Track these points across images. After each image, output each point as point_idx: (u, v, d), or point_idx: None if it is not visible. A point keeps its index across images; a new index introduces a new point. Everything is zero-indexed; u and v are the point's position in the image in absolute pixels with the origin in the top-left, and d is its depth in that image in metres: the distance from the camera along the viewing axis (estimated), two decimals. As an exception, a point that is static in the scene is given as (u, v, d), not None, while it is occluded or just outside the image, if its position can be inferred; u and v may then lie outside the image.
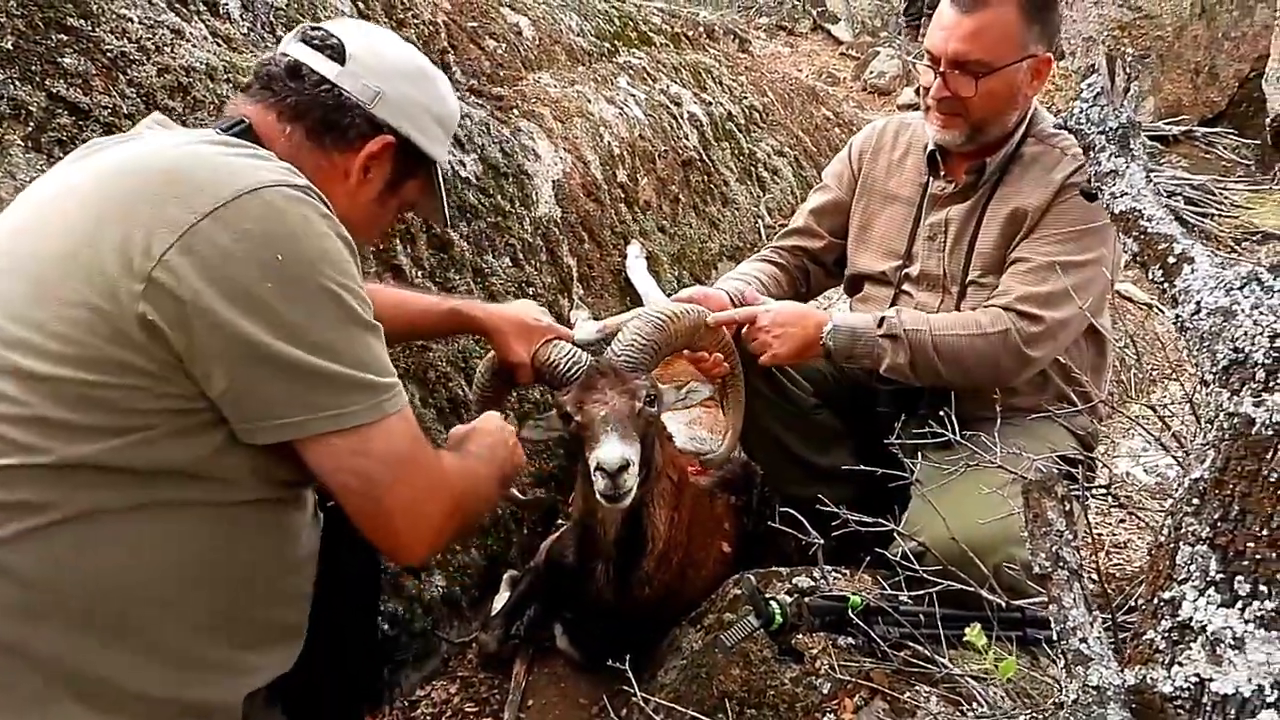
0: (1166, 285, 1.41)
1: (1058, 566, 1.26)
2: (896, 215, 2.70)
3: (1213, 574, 1.23)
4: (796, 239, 2.93)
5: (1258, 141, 7.89)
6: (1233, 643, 1.19)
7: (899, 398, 2.57)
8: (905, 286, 2.66)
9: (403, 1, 3.66)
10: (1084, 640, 1.23)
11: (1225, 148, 8.19)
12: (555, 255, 3.75)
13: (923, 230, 2.63)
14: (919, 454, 2.22)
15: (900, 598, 1.96)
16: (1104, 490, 2.12)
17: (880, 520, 2.00)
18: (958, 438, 1.99)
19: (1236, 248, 6.26)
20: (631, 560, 2.34)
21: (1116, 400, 3.83)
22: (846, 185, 2.83)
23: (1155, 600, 1.29)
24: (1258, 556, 1.20)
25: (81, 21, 2.31)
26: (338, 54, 1.66)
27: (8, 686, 1.32)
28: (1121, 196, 1.49)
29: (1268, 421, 1.22)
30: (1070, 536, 1.27)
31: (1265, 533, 1.20)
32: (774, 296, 2.83)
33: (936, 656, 1.79)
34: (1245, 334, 1.27)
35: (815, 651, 2.03)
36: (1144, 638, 1.29)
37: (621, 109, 4.65)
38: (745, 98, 5.99)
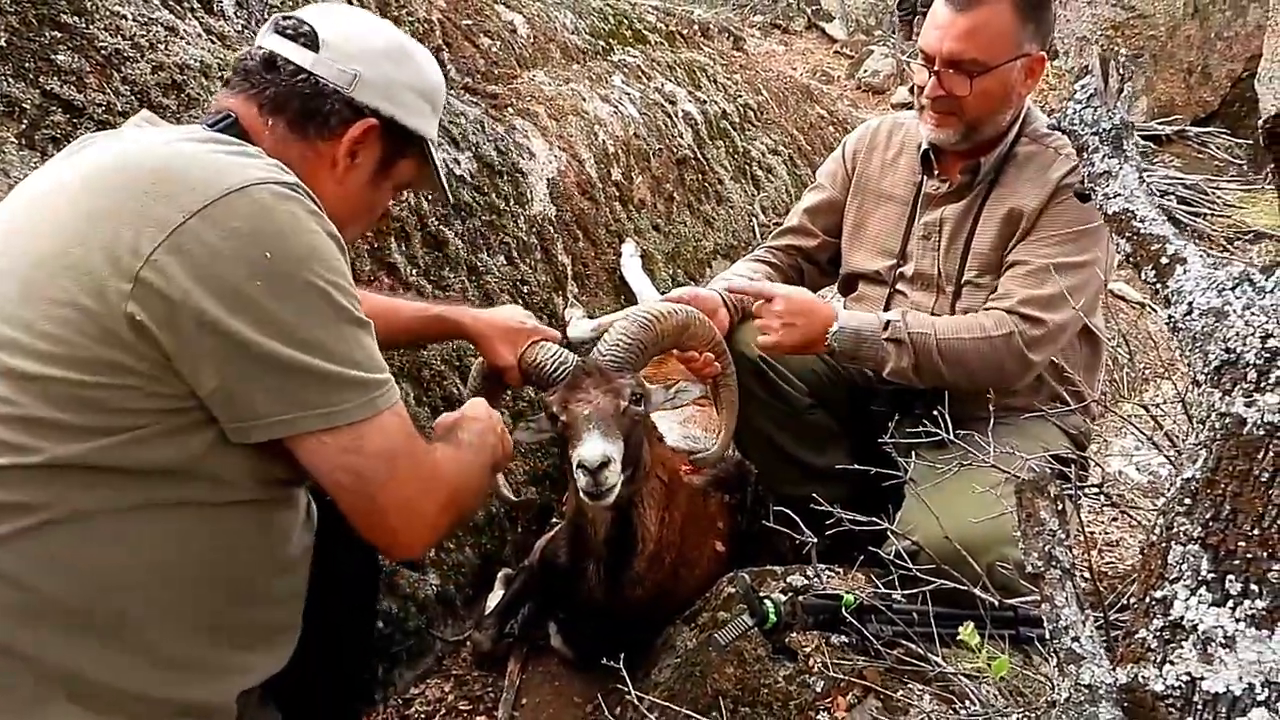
0: (1159, 286, 1.42)
1: (1050, 566, 1.26)
2: (890, 214, 2.71)
3: (1204, 573, 1.24)
4: (791, 238, 2.94)
5: (1250, 141, 7.93)
6: (1224, 642, 1.20)
7: (893, 397, 2.57)
8: (899, 285, 2.67)
9: (397, -1, 3.66)
10: (1076, 639, 1.24)
11: (1218, 147, 8.23)
12: (550, 253, 3.75)
13: (917, 229, 2.64)
14: (913, 453, 2.22)
15: (894, 596, 1.97)
16: (1096, 489, 2.13)
17: (874, 519, 2.01)
18: (951, 437, 2.00)
19: (1229, 247, 6.29)
20: (622, 560, 2.34)
21: (1109, 399, 3.84)
22: (840, 184, 2.84)
23: (1147, 599, 1.30)
24: (1249, 556, 1.21)
25: (75, 19, 2.30)
26: (311, 41, 1.63)
27: (2, 688, 1.32)
28: (1115, 198, 1.50)
29: (1259, 422, 1.22)
30: (1063, 536, 1.27)
31: (1256, 532, 1.21)
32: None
33: (930, 655, 1.80)
34: (1237, 334, 1.27)
35: (809, 650, 2.04)
36: (1136, 636, 1.30)
37: (616, 107, 4.65)
38: (740, 96, 5.99)
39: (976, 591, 1.81)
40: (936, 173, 2.62)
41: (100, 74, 2.32)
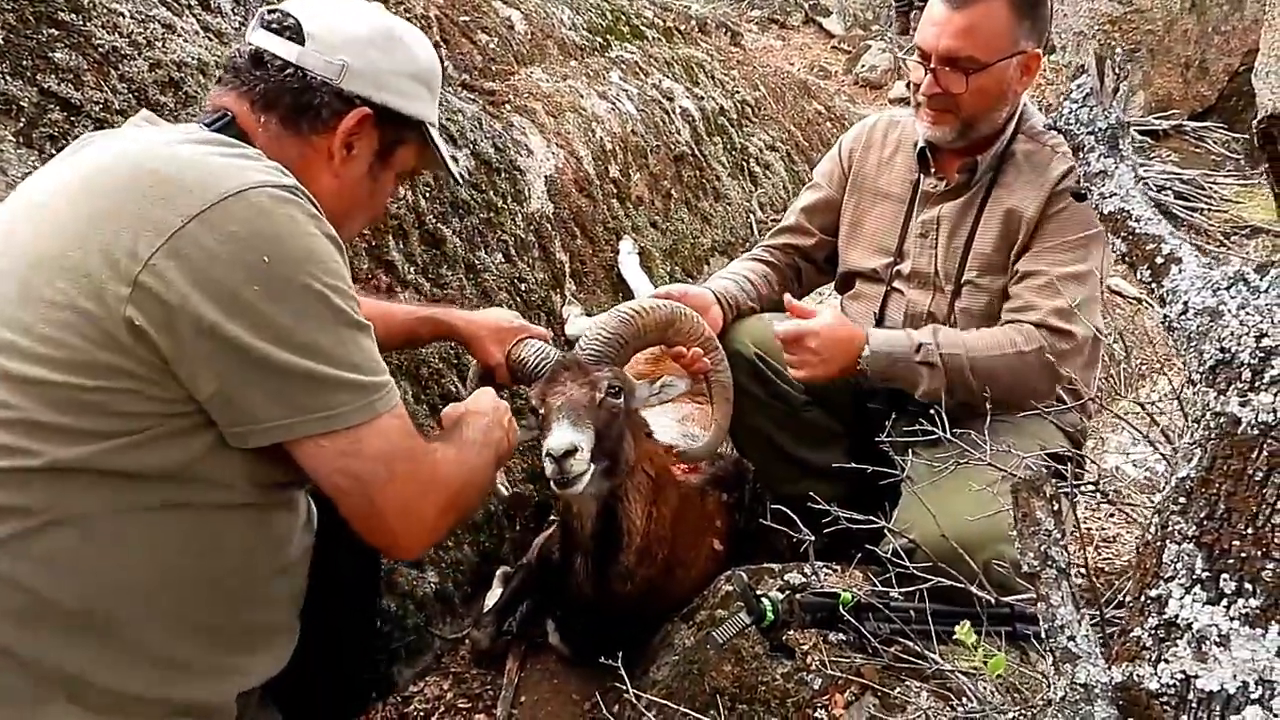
0: (1154, 285, 1.43)
1: (1046, 565, 1.27)
2: (887, 212, 2.71)
3: (1199, 572, 1.25)
4: (788, 237, 2.94)
5: (1247, 136, 7.93)
6: (1218, 640, 1.21)
7: (890, 396, 2.57)
8: (896, 283, 2.67)
9: (394, -4, 3.65)
10: (1072, 638, 1.25)
11: (1215, 142, 8.23)
12: (548, 251, 3.75)
13: (914, 227, 2.64)
14: (909, 451, 2.23)
15: (891, 594, 1.98)
16: (1093, 487, 2.13)
17: (871, 518, 2.02)
18: (948, 435, 2.00)
19: (1226, 242, 6.30)
20: (609, 554, 2.35)
21: (1105, 396, 3.85)
22: (837, 183, 2.84)
23: (1142, 598, 1.31)
24: (1243, 555, 1.22)
25: (73, 16, 2.30)
26: (296, 34, 1.61)
27: (2, 689, 1.32)
28: (1110, 197, 1.50)
29: (1253, 421, 1.23)
30: (1059, 536, 1.28)
31: (1250, 531, 1.22)
32: (765, 296, 2.84)
33: (927, 652, 1.80)
34: (1232, 334, 1.28)
35: (806, 647, 2.04)
36: (1131, 635, 1.31)
37: (614, 104, 4.65)
38: (737, 92, 5.99)
39: (973, 589, 1.82)
40: (934, 170, 2.62)
41: (98, 71, 2.31)
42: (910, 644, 1.86)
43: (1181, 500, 1.29)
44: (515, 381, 2.33)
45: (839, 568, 2.36)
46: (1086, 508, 3.18)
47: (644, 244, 4.35)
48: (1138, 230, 1.46)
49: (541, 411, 2.16)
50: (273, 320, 1.37)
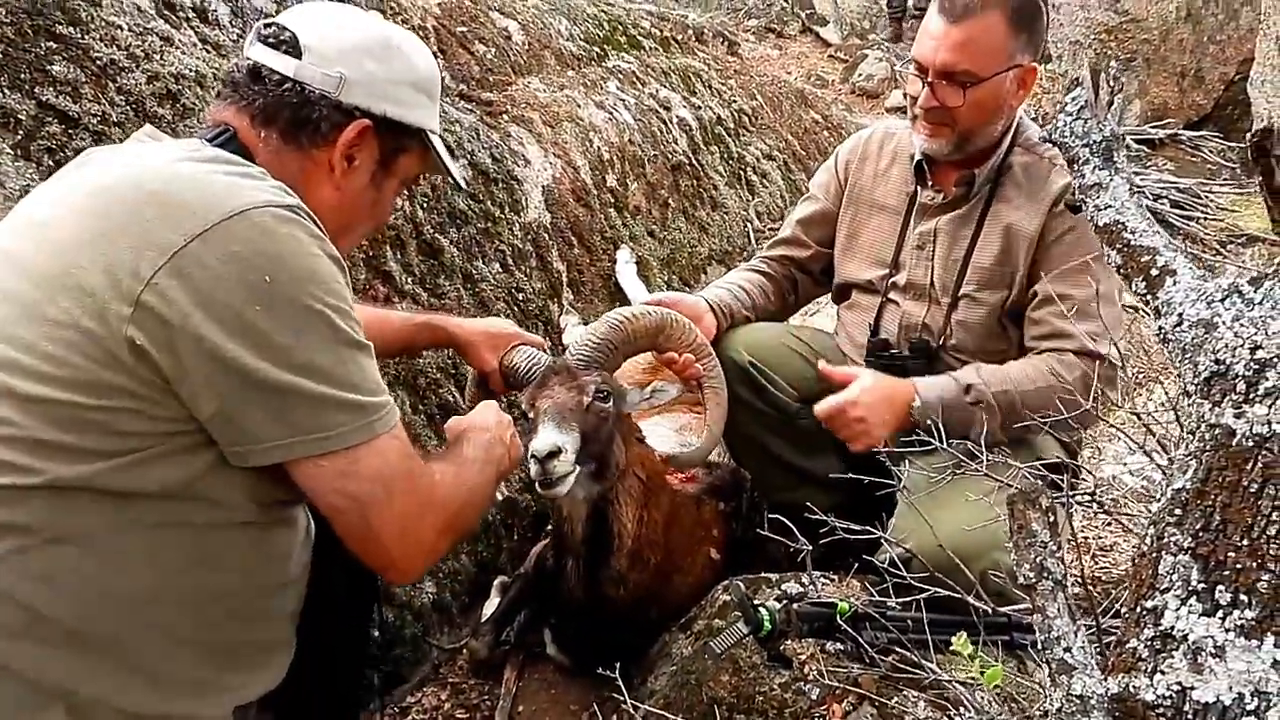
0: (1149, 297, 1.43)
1: (1042, 577, 1.27)
2: (884, 225, 2.72)
3: (1194, 583, 1.25)
4: (784, 249, 2.95)
5: (1243, 145, 7.94)
6: (1214, 651, 1.21)
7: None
8: (892, 294, 2.67)
9: (391, 6, 3.67)
10: (1068, 649, 1.25)
11: (1211, 151, 8.24)
12: (545, 260, 3.76)
13: (911, 239, 2.64)
14: (906, 460, 2.23)
15: (888, 604, 1.98)
16: (1089, 497, 2.14)
17: (868, 527, 2.02)
18: (944, 445, 2.01)
19: (1222, 250, 6.31)
20: (600, 558, 2.36)
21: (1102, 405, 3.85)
22: (833, 195, 2.84)
23: (1138, 609, 1.31)
24: (1238, 566, 1.22)
25: (71, 29, 2.31)
26: (293, 48, 1.61)
27: (1, 704, 1.32)
28: (1105, 209, 1.51)
29: (1248, 433, 1.24)
30: (1054, 547, 1.28)
31: (1246, 542, 1.22)
32: (762, 306, 2.84)
33: (924, 662, 1.81)
34: (1226, 346, 1.29)
35: (804, 657, 2.04)
36: (1127, 646, 1.31)
37: (611, 113, 4.66)
38: (734, 101, 6.01)
39: (970, 599, 1.82)
40: (931, 183, 2.62)
41: (96, 84, 2.32)
42: (908, 654, 1.86)
43: (1177, 512, 1.29)
44: (509, 387, 2.34)
45: (836, 577, 2.36)
46: (1084, 517, 3.18)
47: (641, 253, 4.36)
48: (1133, 242, 1.46)
49: (530, 416, 2.19)
50: (274, 340, 1.37)
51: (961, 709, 1.75)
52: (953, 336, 2.56)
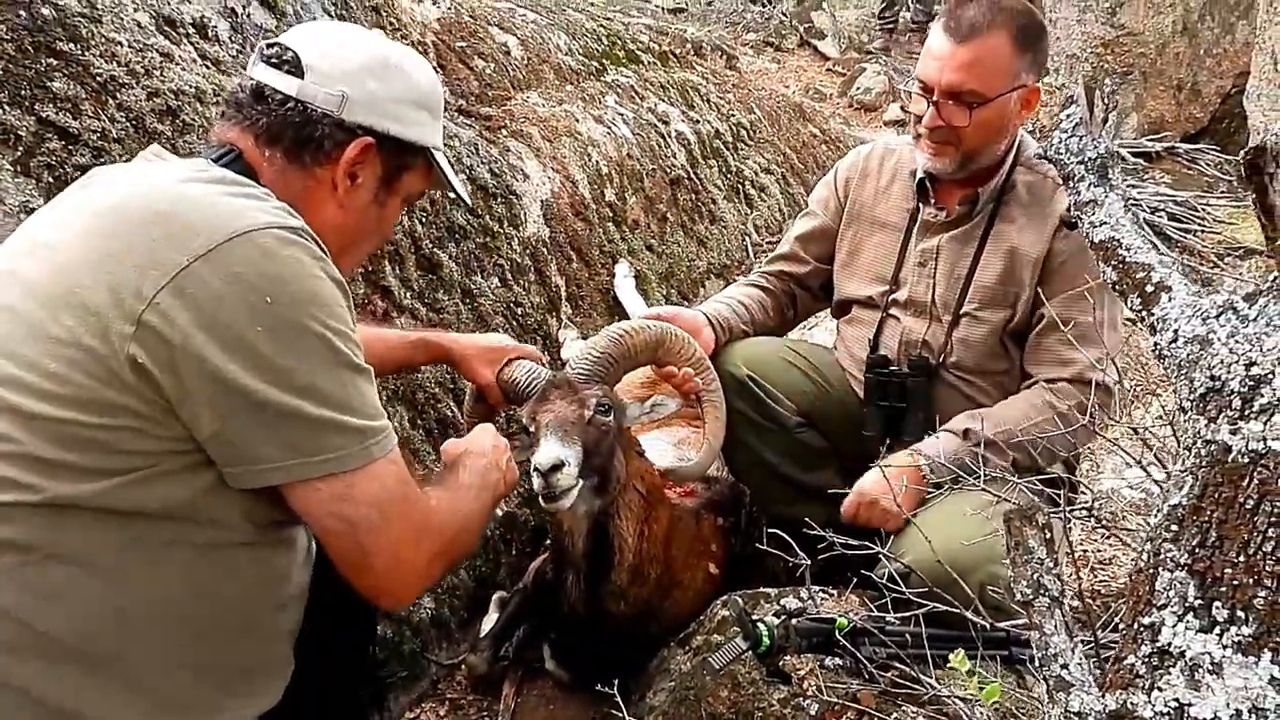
0: (1145, 313, 1.44)
1: (1039, 594, 1.27)
2: (885, 242, 2.72)
3: (1191, 599, 1.25)
4: (783, 265, 2.95)
5: (1239, 158, 7.93)
6: (1211, 668, 1.21)
7: (885, 423, 2.58)
8: (892, 310, 2.67)
9: (391, 22, 3.68)
10: (1065, 666, 1.25)
11: (1208, 164, 8.26)
12: (543, 275, 3.77)
13: (912, 256, 2.64)
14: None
15: (887, 619, 1.98)
16: (1086, 511, 2.14)
17: (866, 542, 2.02)
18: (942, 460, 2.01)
19: (1219, 263, 6.31)
20: (601, 572, 2.36)
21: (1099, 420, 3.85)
22: (833, 212, 2.85)
23: (1135, 625, 1.31)
24: (1235, 582, 1.22)
25: (71, 46, 2.31)
26: (295, 67, 1.62)
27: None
28: (1100, 225, 1.52)
29: (1244, 449, 1.24)
30: (1051, 564, 1.28)
31: (1242, 559, 1.22)
32: (761, 321, 2.85)
33: (923, 677, 1.81)
34: (1221, 362, 1.29)
35: (803, 673, 2.04)
36: (1124, 662, 1.31)
37: (609, 128, 4.67)
38: (733, 115, 6.02)
39: (968, 615, 1.82)
40: (934, 200, 2.62)
41: (95, 101, 2.33)
42: (906, 669, 1.86)
43: (1173, 528, 1.29)
44: (509, 402, 2.35)
45: (835, 592, 2.36)
46: (1082, 530, 3.18)
47: (640, 267, 4.36)
48: (1128, 259, 1.47)
49: (531, 430, 2.19)
50: (273, 362, 1.37)
51: (961, 725, 1.75)
52: (953, 354, 2.56)
